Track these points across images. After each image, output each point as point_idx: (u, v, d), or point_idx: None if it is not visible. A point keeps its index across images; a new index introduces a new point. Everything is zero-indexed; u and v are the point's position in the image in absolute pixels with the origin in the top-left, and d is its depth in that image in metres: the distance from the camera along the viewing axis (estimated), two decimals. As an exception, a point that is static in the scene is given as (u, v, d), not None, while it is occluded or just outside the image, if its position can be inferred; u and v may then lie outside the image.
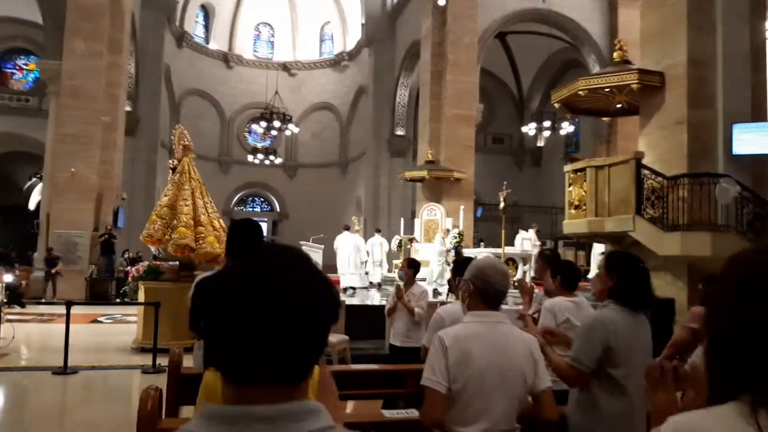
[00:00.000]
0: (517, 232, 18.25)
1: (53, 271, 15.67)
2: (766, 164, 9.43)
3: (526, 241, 16.81)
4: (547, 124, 20.53)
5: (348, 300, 10.94)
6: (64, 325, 7.64)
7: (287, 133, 25.48)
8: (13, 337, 9.11)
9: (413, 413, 2.76)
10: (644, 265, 2.67)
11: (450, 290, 5.63)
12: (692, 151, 9.19)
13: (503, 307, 2.48)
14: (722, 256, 1.00)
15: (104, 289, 16.27)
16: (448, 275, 8.84)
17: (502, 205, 13.01)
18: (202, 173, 10.25)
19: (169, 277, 9.25)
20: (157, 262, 9.85)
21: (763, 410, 0.81)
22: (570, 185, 10.57)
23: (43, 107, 22.21)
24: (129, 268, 14.36)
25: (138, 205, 22.51)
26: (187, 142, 9.81)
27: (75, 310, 7.84)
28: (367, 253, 14.99)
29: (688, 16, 9.27)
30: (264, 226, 29.45)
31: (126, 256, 18.78)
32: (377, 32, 25.80)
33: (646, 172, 9.34)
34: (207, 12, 30.88)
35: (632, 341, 2.54)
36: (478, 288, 2.33)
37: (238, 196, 31.54)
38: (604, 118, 16.85)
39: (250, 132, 31.53)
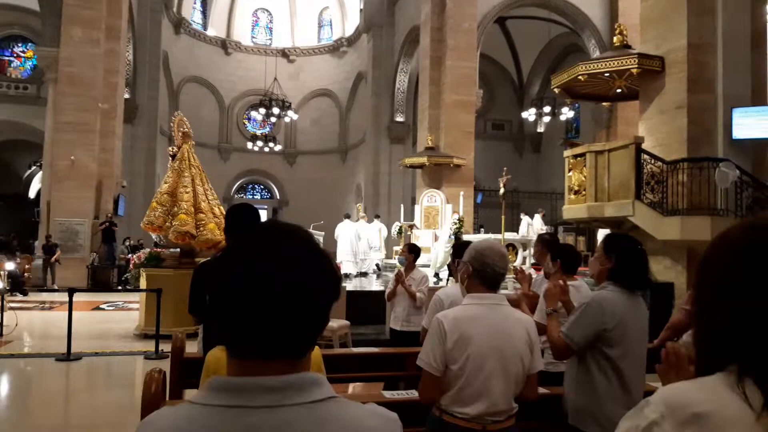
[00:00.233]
0: (520, 218, 18.28)
1: (52, 259, 15.72)
2: (765, 148, 9.44)
3: (532, 227, 16.82)
4: (547, 109, 20.48)
5: (348, 286, 11.00)
6: (65, 313, 7.70)
7: (286, 120, 25.42)
8: (17, 325, 9.18)
9: (413, 394, 2.81)
10: (642, 247, 2.70)
11: (450, 274, 5.66)
12: (692, 135, 9.20)
13: (503, 291, 2.51)
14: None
15: (106, 277, 16.35)
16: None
17: (502, 191, 13.02)
18: (201, 161, 10.26)
19: (170, 264, 9.31)
20: (158, 249, 9.90)
21: (749, 380, 0.84)
22: (570, 170, 10.59)
23: (41, 95, 22.14)
24: (130, 255, 14.41)
25: (138, 192, 22.53)
26: (186, 129, 9.81)
27: (77, 297, 7.89)
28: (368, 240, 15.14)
29: (688, 0, 9.24)
30: (264, 213, 29.49)
31: (127, 243, 18.84)
32: (376, 18, 25.65)
33: (645, 156, 9.36)
34: (204, -2, 30.71)
35: (628, 322, 2.58)
36: (477, 270, 2.36)
37: (237, 183, 31.54)
38: (604, 103, 16.86)
39: (249, 119, 31.46)
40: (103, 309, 12.67)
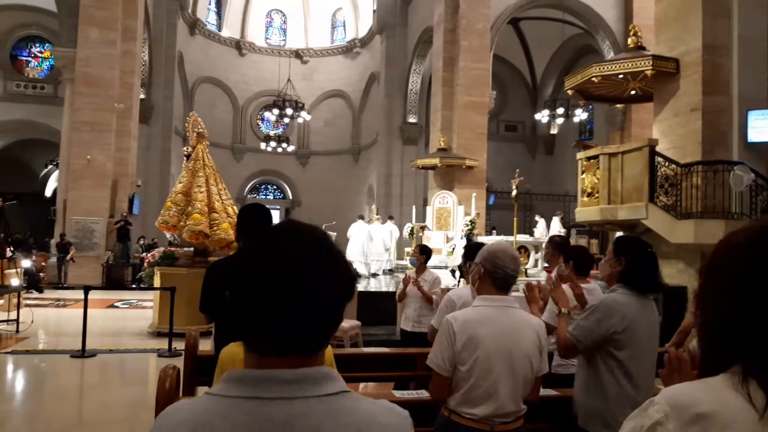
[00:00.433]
0: (535, 220, 18.19)
1: (67, 258, 15.90)
2: (781, 152, 9.35)
3: (550, 229, 16.73)
4: (560, 111, 20.37)
5: (359, 287, 11.03)
6: (80, 310, 7.80)
7: (299, 120, 25.51)
8: (32, 322, 9.31)
9: (424, 394, 2.83)
10: (652, 250, 2.70)
11: (461, 275, 5.66)
12: (707, 138, 9.13)
13: (515, 294, 2.52)
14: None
15: (120, 275, 16.51)
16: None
17: (514, 192, 13.00)
18: (215, 160, 10.34)
19: (184, 263, 9.39)
20: (173, 248, 9.99)
21: (753, 381, 0.85)
22: (583, 173, 10.54)
23: (58, 95, 22.40)
24: (144, 254, 14.54)
25: (153, 191, 22.72)
26: (201, 130, 9.90)
27: (92, 295, 7.99)
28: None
29: (703, 1, 9.18)
30: (276, 213, 29.62)
31: (141, 242, 19.01)
32: (389, 19, 25.67)
33: (659, 159, 9.30)
34: (219, -1, 30.92)
35: (638, 325, 2.58)
36: (488, 271, 2.37)
37: (251, 183, 31.69)
38: (618, 105, 16.75)
39: (262, 119, 31.60)
40: (118, 307, 12.81)
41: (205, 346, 3.96)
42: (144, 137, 22.00)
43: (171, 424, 0.88)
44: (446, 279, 8.09)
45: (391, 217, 17.45)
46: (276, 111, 23.97)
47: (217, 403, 0.87)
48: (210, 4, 30.32)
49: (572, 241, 14.99)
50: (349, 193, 29.16)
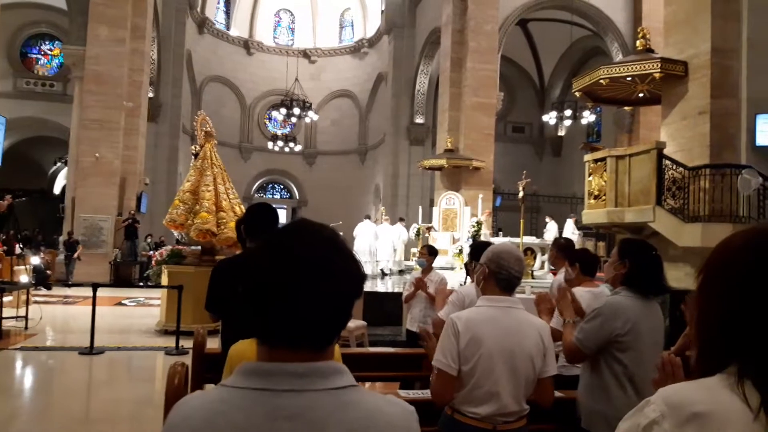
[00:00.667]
0: (545, 221, 18.14)
1: (74, 255, 15.99)
2: (790, 155, 9.30)
3: (565, 231, 16.68)
4: (568, 113, 20.35)
5: (365, 287, 11.07)
6: (88, 307, 7.86)
7: (307, 120, 25.57)
8: (41, 318, 9.38)
9: (428, 394, 2.84)
10: (656, 253, 2.71)
11: (467, 274, 5.68)
12: (715, 141, 9.10)
13: (521, 295, 2.54)
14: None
15: (128, 273, 16.59)
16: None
17: (521, 194, 12.98)
18: (222, 159, 10.40)
19: (191, 261, 9.44)
20: (180, 247, 10.04)
21: (748, 381, 0.87)
22: (590, 175, 10.53)
23: (67, 92, 22.55)
24: (152, 252, 14.63)
25: (160, 190, 22.83)
26: (209, 129, 9.95)
27: (99, 292, 8.05)
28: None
29: (712, 4, 9.15)
30: (283, 213, 29.71)
31: (148, 240, 19.10)
32: (397, 19, 25.70)
33: (667, 162, 9.27)
34: (228, -2, 31.03)
35: (642, 327, 2.59)
36: (493, 272, 2.39)
37: (258, 182, 31.78)
38: (626, 108, 16.69)
39: (270, 119, 31.69)
40: (125, 304, 12.88)
41: (213, 344, 4.00)
42: (152, 135, 22.11)
43: (186, 412, 0.92)
44: (451, 280, 8.10)
45: (401, 219, 17.43)
46: (283, 110, 24.04)
47: (230, 394, 0.91)
48: (219, 3, 30.43)
49: (578, 244, 15.01)
50: (355, 193, 29.20)
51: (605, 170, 10.06)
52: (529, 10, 19.25)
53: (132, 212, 17.53)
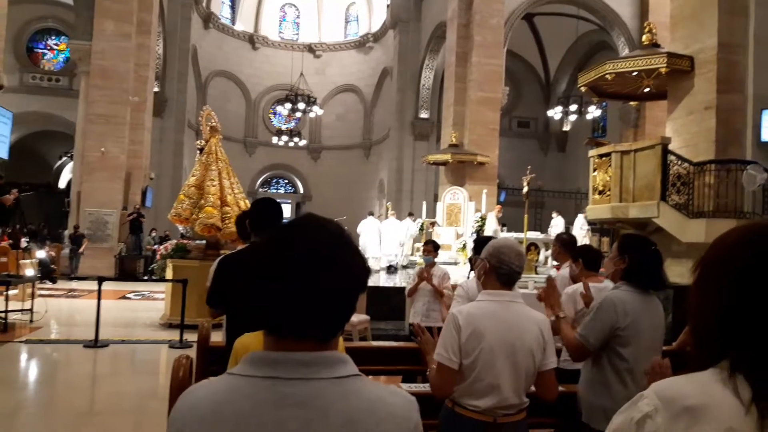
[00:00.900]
0: (551, 216, 18.08)
1: (80, 250, 16.06)
2: (796, 151, 9.27)
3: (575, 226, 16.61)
4: (573, 108, 20.29)
5: (369, 282, 11.10)
6: (92, 301, 7.91)
7: (311, 115, 25.58)
8: (46, 311, 9.44)
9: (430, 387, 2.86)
10: (656, 248, 2.72)
11: (471, 269, 5.70)
12: (720, 136, 9.07)
13: (524, 290, 2.55)
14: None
15: (132, 267, 16.67)
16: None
17: (525, 189, 12.96)
18: (227, 154, 10.41)
19: (196, 256, 9.47)
20: (185, 241, 10.08)
21: (740, 375, 0.88)
22: (595, 170, 10.51)
23: (73, 87, 22.63)
24: (157, 246, 14.68)
25: (165, 184, 22.90)
26: (214, 123, 9.97)
27: (104, 286, 8.08)
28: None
29: (719, -1, 9.11)
30: (287, 207, 29.74)
31: (153, 234, 19.17)
32: (403, 13, 25.64)
33: (672, 157, 9.25)
34: (233, -7, 31.01)
35: (642, 322, 2.60)
36: (494, 267, 2.40)
37: (262, 177, 31.82)
38: (632, 103, 16.63)
39: (274, 113, 31.70)
40: (130, 298, 12.95)
41: (217, 337, 4.02)
42: (157, 130, 22.17)
43: (192, 402, 0.94)
44: (454, 275, 8.12)
45: (410, 214, 17.37)
46: (288, 105, 24.07)
47: (238, 382, 0.93)
48: (224, -3, 30.44)
49: (588, 239, 14.99)
50: (359, 187, 29.21)
51: (610, 165, 10.03)
52: (535, 4, 19.17)
53: (137, 206, 17.60)
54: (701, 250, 1.03)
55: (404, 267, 15.58)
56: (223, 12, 30.26)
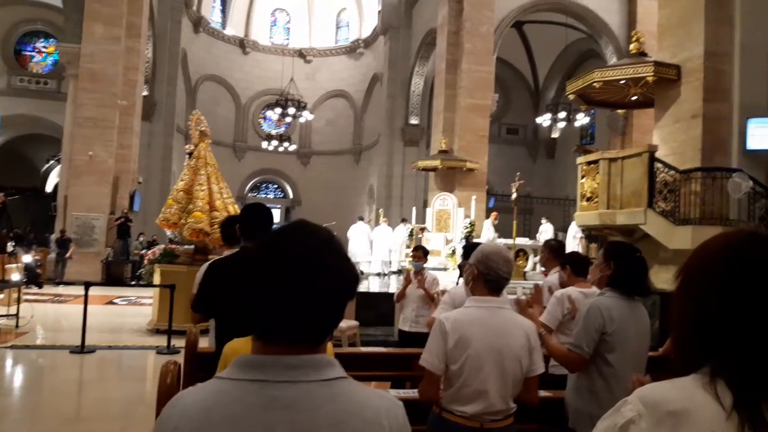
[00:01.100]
0: (540, 222, 18.15)
1: (67, 255, 15.90)
2: (780, 160, 9.38)
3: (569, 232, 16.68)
4: (562, 115, 20.41)
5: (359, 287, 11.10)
6: (79, 306, 7.85)
7: (301, 120, 25.56)
8: (32, 317, 9.35)
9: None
10: (641, 255, 2.75)
11: (461, 275, 5.72)
12: (706, 145, 9.15)
13: (513, 296, 2.57)
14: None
15: (120, 272, 16.52)
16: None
17: (514, 196, 13.03)
18: (216, 159, 10.39)
19: (184, 261, 9.43)
20: (173, 246, 10.03)
21: (721, 381, 0.89)
22: (583, 177, 10.58)
23: (61, 90, 22.46)
24: (144, 251, 14.59)
25: (153, 189, 22.77)
26: (203, 128, 9.95)
27: (91, 291, 8.02)
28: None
29: (706, 8, 9.20)
30: (277, 212, 29.68)
31: (141, 239, 19.04)
32: (393, 20, 25.73)
33: (659, 165, 9.33)
34: (224, -3, 30.98)
35: (627, 327, 2.63)
36: (481, 273, 2.42)
37: (251, 182, 31.72)
38: (620, 111, 16.77)
39: (264, 118, 31.63)
40: (117, 303, 12.85)
41: (203, 343, 4.00)
42: (146, 134, 22.05)
43: (185, 403, 0.95)
44: (443, 280, 8.12)
45: (404, 220, 17.37)
46: (278, 110, 24.03)
47: (227, 385, 0.94)
48: (214, 2, 30.38)
49: (581, 246, 15.06)
50: (349, 193, 29.21)
51: (598, 173, 10.11)
52: (524, 12, 19.31)
53: (125, 211, 17.48)
54: (687, 257, 1.04)
55: (395, 273, 15.60)
56: (213, 16, 30.21)
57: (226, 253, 3.51)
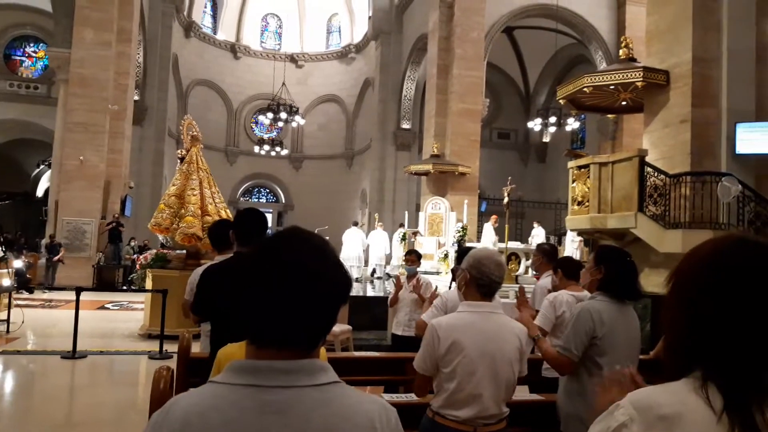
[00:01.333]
0: (532, 226, 18.20)
1: (56, 258, 15.81)
2: (768, 163, 9.48)
3: (567, 240, 16.74)
4: (553, 120, 20.47)
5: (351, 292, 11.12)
6: (70, 311, 7.81)
7: (293, 124, 25.54)
8: (23, 322, 9.29)
9: (412, 397, 2.88)
10: (631, 259, 2.78)
11: (453, 279, 5.74)
12: (695, 149, 9.24)
13: (505, 300, 2.59)
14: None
15: (111, 277, 16.45)
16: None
17: (506, 200, 13.07)
18: (208, 163, 10.37)
19: (176, 266, 9.40)
20: (165, 251, 10.00)
21: (712, 385, 0.91)
22: (573, 181, 10.64)
23: (51, 95, 22.36)
24: (136, 255, 14.52)
25: (145, 193, 22.68)
26: (195, 133, 9.94)
27: (82, 296, 7.98)
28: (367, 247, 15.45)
29: (694, 14, 9.31)
30: (269, 217, 29.61)
31: (132, 244, 18.96)
32: (385, 25, 25.81)
33: (649, 169, 9.41)
34: (215, 2, 30.90)
35: (617, 331, 2.66)
36: (474, 278, 2.44)
37: (243, 186, 31.66)
38: (610, 115, 16.89)
39: (256, 123, 31.61)
40: (108, 308, 12.78)
41: (196, 348, 4.00)
42: (137, 139, 21.97)
43: (181, 408, 0.96)
44: (435, 284, 8.16)
45: (401, 225, 17.35)
46: (270, 114, 23.99)
47: (222, 390, 0.96)
48: (206, 7, 30.34)
49: (579, 251, 15.14)
50: (342, 197, 29.20)
51: (588, 177, 10.18)
52: (515, 17, 19.42)
53: (116, 216, 17.40)
54: (678, 260, 1.06)
55: (390, 277, 15.61)
56: (204, 21, 30.18)
57: (218, 258, 3.51)
